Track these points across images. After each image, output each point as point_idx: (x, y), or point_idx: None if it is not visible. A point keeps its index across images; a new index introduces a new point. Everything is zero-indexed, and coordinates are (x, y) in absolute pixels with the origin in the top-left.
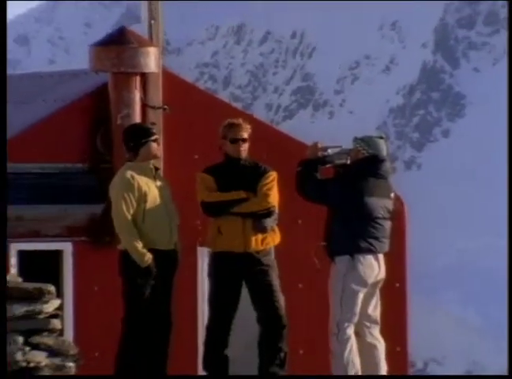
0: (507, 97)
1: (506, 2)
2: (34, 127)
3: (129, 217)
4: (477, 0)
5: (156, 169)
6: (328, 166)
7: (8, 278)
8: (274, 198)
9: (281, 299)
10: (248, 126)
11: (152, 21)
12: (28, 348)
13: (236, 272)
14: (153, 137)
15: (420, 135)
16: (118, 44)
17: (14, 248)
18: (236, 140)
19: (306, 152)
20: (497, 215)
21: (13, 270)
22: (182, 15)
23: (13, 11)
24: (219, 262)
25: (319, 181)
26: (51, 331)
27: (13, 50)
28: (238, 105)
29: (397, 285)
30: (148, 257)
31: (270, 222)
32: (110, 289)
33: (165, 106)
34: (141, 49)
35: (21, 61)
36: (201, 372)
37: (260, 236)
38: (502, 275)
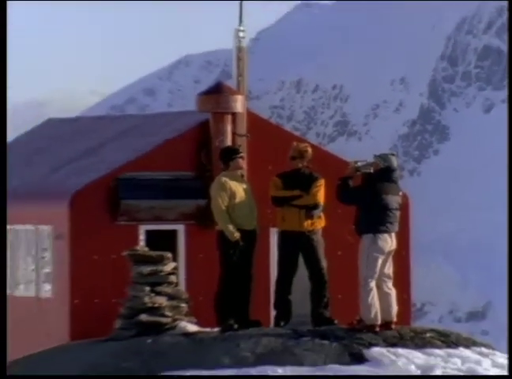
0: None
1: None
2: (164, 146)
3: (224, 208)
4: (455, 66)
5: (242, 175)
6: (358, 173)
7: (138, 248)
8: (320, 197)
9: (324, 263)
10: (307, 149)
11: (240, 78)
12: (152, 294)
13: (295, 244)
14: (240, 155)
15: (419, 153)
16: (216, 93)
17: (143, 228)
18: (295, 158)
19: (345, 170)
20: (475, 207)
21: (142, 243)
22: (260, 73)
23: (143, 70)
24: (283, 238)
25: (351, 190)
26: (169, 283)
27: (143, 98)
28: (297, 133)
29: (403, 253)
30: (237, 234)
31: (317, 212)
32: (210, 256)
33: (247, 134)
34: (231, 96)
35: (149, 105)
36: (272, 312)
37: (310, 221)
38: (479, 247)
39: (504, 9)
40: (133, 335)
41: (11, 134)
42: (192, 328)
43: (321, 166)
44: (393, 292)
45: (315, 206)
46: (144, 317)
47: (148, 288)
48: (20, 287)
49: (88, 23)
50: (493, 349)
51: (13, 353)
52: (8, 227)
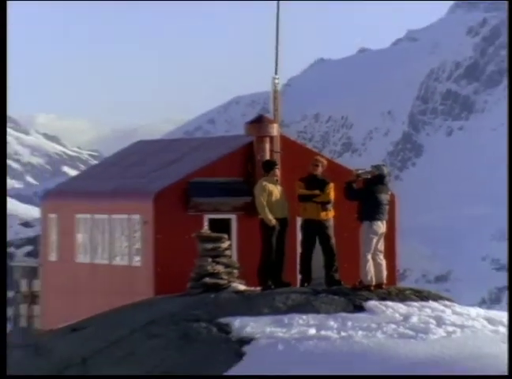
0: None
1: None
2: (221, 159)
3: (264, 203)
4: (426, 104)
5: (277, 180)
6: (359, 179)
7: (203, 231)
8: (332, 195)
9: (333, 241)
10: (323, 161)
11: (275, 112)
12: (213, 264)
13: (313, 229)
14: (276, 166)
15: (401, 164)
16: (258, 122)
17: (206, 217)
18: (314, 167)
19: (349, 176)
20: (444, 204)
21: (205, 227)
22: (289, 108)
23: (207, 105)
24: (305, 224)
25: (354, 190)
26: (225, 256)
27: (207, 126)
28: (315, 150)
29: (391, 235)
30: (273, 221)
31: (329, 206)
32: (254, 237)
33: (280, 151)
34: (269, 124)
35: (211, 131)
36: (298, 276)
37: (324, 212)
38: (445, 232)
39: (460, 64)
40: (200, 293)
41: (106, 154)
42: (241, 287)
43: (333, 174)
44: (383, 262)
45: (328, 202)
46: (207, 279)
47: (210, 259)
48: (117, 258)
49: (160, 64)
50: (453, 302)
51: (111, 306)
52: (107, 216)
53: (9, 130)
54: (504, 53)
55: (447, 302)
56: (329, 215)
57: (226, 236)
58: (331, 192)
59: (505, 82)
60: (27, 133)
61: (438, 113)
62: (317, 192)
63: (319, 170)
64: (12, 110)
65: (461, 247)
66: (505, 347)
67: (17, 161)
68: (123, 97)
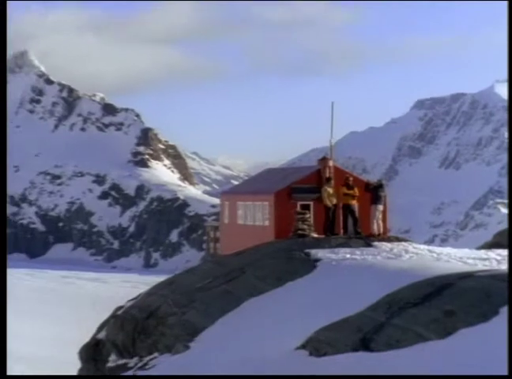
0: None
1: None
2: (306, 176)
3: (326, 196)
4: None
5: (331, 186)
6: (371, 186)
7: (297, 209)
8: (357, 193)
9: (357, 214)
10: (350, 177)
11: (331, 155)
12: (302, 224)
13: (347, 209)
14: (331, 180)
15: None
16: (324, 160)
17: (299, 203)
18: (347, 179)
19: (368, 184)
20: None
21: (298, 208)
22: (337, 155)
23: (290, 154)
24: (344, 206)
25: (370, 190)
26: (307, 220)
27: (297, 165)
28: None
29: (385, 211)
30: (330, 204)
31: (355, 198)
32: (321, 212)
33: (332, 174)
34: (328, 161)
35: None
36: (341, 231)
37: (354, 201)
38: (410, 211)
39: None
40: (296, 238)
41: (252, 174)
42: (315, 235)
43: (356, 182)
44: (381, 224)
45: (355, 196)
46: (299, 232)
47: (300, 222)
48: (257, 222)
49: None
50: (412, 242)
51: (255, 244)
52: (252, 202)
53: (201, 162)
54: None
55: (409, 242)
56: (355, 202)
57: (308, 212)
58: (356, 191)
59: None
60: (213, 164)
61: (416, 156)
62: (351, 191)
63: (350, 181)
64: (201, 151)
65: (421, 215)
66: (437, 263)
67: (209, 178)
68: (255, 140)
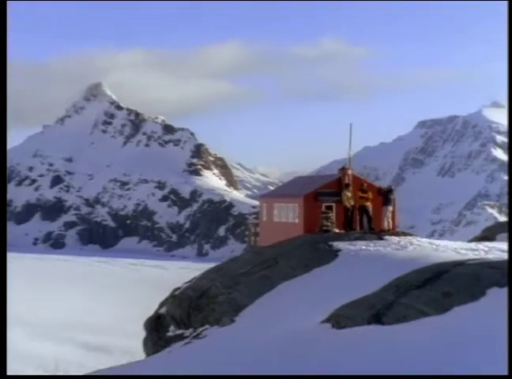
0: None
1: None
2: (329, 182)
3: (345, 199)
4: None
5: (350, 191)
6: (382, 190)
7: (322, 209)
8: (370, 196)
9: (371, 214)
10: (365, 184)
11: (350, 165)
12: (326, 221)
13: (363, 209)
14: (349, 185)
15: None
16: (343, 169)
17: (323, 204)
18: (362, 185)
19: (380, 189)
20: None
21: (323, 208)
22: (354, 166)
23: (313, 167)
24: (360, 207)
25: (381, 194)
26: (330, 218)
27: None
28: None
29: (395, 211)
30: (349, 206)
31: (369, 200)
32: (341, 211)
33: (350, 183)
34: (347, 170)
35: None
36: (358, 227)
37: (368, 203)
38: (416, 211)
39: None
40: (321, 233)
41: (285, 181)
42: (337, 231)
43: (370, 187)
44: (391, 221)
45: (369, 199)
46: (323, 228)
47: (324, 220)
48: (289, 219)
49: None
50: (416, 236)
51: (286, 238)
52: (285, 204)
53: (243, 171)
54: None
55: (413, 236)
56: (369, 204)
57: (331, 211)
58: (370, 195)
59: None
60: (253, 172)
61: (417, 166)
62: (365, 195)
63: (365, 186)
64: (244, 162)
65: (424, 214)
66: (436, 253)
67: (250, 184)
68: (287, 153)
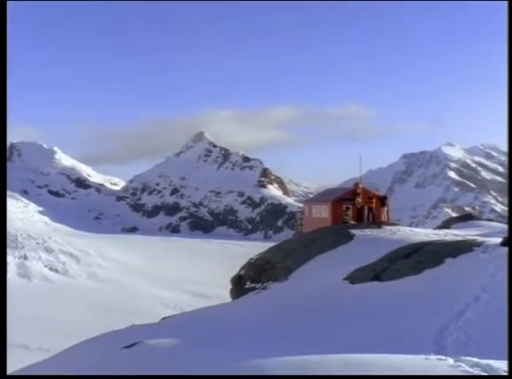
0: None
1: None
2: (346, 192)
3: (357, 203)
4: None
5: (360, 200)
6: (381, 197)
7: (343, 209)
8: (375, 202)
9: (374, 212)
10: (370, 193)
11: (361, 182)
12: (346, 217)
13: (370, 211)
14: (360, 195)
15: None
16: (356, 184)
17: (344, 205)
18: (369, 196)
19: (379, 196)
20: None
21: (344, 208)
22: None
23: (336, 182)
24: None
25: (382, 201)
26: (349, 215)
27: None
28: (371, 190)
29: (389, 212)
30: (360, 207)
31: (373, 205)
32: (356, 211)
33: (360, 193)
34: (359, 184)
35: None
36: (366, 221)
37: (372, 205)
38: (411, 210)
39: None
40: (343, 224)
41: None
42: (352, 222)
43: (374, 195)
44: (387, 216)
45: (373, 203)
46: (344, 220)
47: (345, 215)
48: (322, 216)
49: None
50: (404, 226)
51: (320, 227)
52: (320, 205)
53: (293, 185)
54: None
55: (400, 226)
56: (373, 205)
57: (349, 210)
58: (373, 200)
59: None
60: (299, 186)
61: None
62: (371, 200)
63: (370, 195)
64: (294, 179)
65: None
66: (414, 236)
67: (297, 193)
68: (321, 173)
